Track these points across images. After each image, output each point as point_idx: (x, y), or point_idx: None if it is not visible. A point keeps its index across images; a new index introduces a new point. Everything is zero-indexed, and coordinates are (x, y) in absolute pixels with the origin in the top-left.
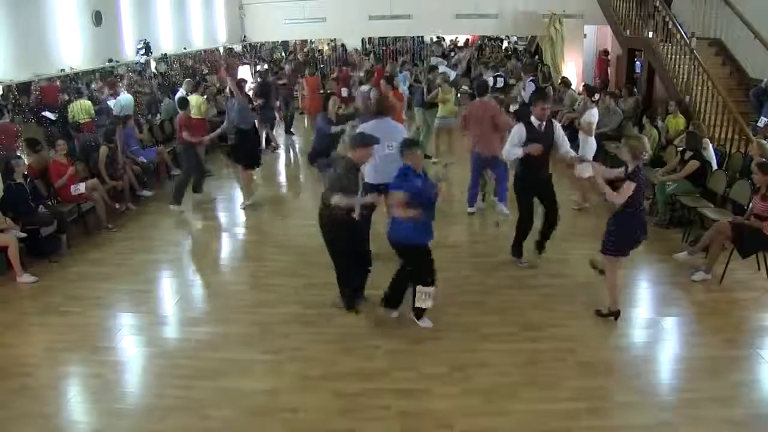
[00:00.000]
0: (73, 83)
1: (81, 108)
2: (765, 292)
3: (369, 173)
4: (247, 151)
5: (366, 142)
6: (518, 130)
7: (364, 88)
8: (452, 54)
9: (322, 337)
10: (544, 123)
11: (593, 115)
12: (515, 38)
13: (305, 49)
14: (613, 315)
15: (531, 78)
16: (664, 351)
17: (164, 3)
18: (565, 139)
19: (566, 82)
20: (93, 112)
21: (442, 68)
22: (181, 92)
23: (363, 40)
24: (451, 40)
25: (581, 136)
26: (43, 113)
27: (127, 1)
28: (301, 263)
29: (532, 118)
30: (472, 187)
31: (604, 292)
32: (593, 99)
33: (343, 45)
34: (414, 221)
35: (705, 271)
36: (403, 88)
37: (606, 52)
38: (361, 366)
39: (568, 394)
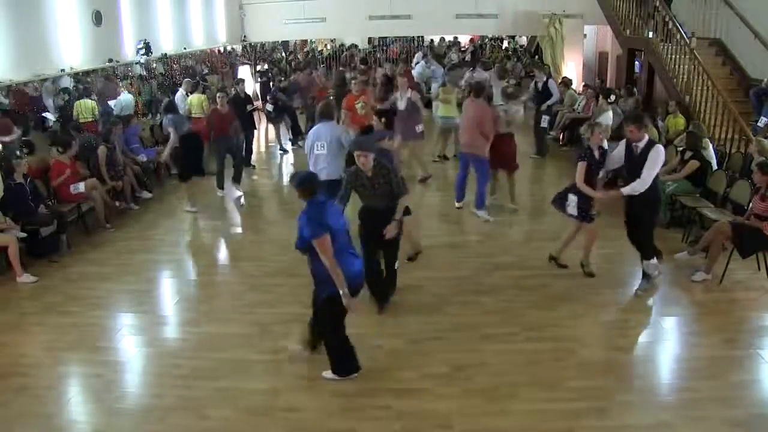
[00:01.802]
0: (73, 82)
1: (84, 107)
2: (765, 292)
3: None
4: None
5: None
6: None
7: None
8: (447, 52)
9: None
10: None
11: (609, 117)
12: (525, 39)
13: (305, 49)
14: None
15: (549, 77)
16: (664, 351)
17: (164, 3)
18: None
19: (566, 82)
20: (96, 112)
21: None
22: (181, 92)
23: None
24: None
25: None
26: (43, 114)
27: (127, 1)
28: (301, 263)
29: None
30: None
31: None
32: (609, 101)
33: (355, 45)
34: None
35: (705, 271)
36: None
37: None
38: (361, 366)
39: (568, 394)
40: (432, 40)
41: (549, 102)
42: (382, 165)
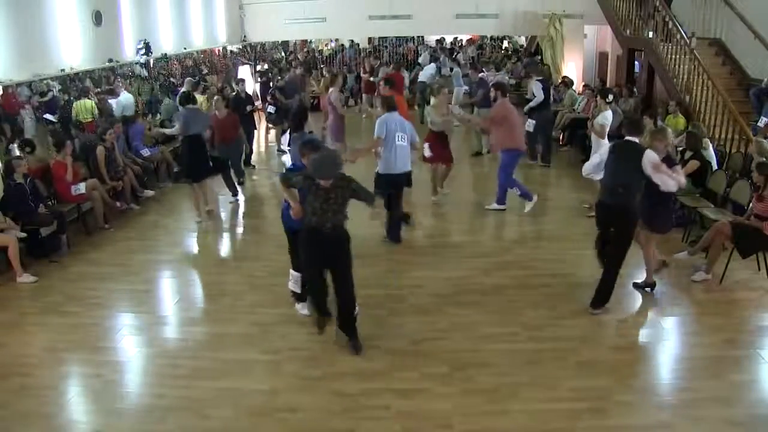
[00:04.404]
0: (74, 83)
1: (83, 107)
2: (765, 292)
3: (382, 165)
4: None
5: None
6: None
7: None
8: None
9: (322, 337)
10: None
11: (607, 117)
12: (523, 39)
13: (305, 49)
14: (649, 286)
15: (538, 79)
16: (664, 351)
17: (164, 3)
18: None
19: (566, 82)
20: (96, 111)
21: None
22: (182, 93)
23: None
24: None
25: (594, 138)
26: (45, 115)
27: (127, 1)
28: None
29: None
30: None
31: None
32: (607, 101)
33: (354, 42)
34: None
35: (705, 271)
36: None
37: None
38: (361, 366)
39: (568, 394)
40: (443, 39)
41: (531, 104)
42: (342, 176)
